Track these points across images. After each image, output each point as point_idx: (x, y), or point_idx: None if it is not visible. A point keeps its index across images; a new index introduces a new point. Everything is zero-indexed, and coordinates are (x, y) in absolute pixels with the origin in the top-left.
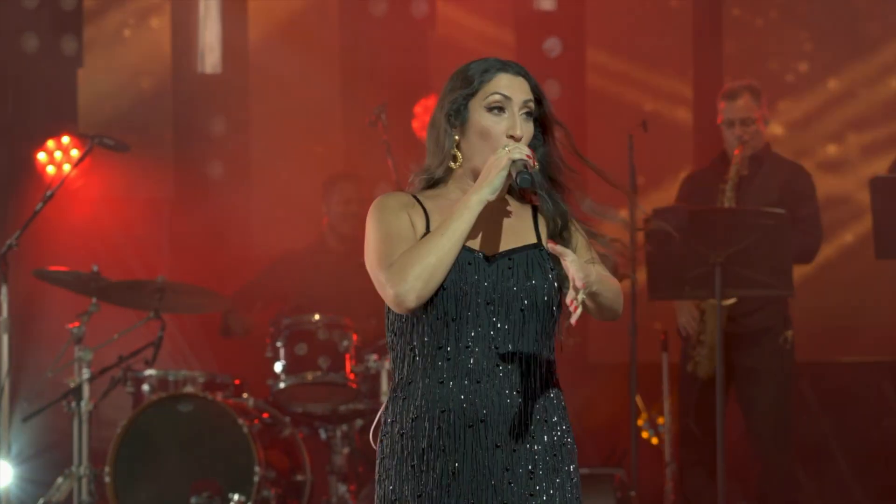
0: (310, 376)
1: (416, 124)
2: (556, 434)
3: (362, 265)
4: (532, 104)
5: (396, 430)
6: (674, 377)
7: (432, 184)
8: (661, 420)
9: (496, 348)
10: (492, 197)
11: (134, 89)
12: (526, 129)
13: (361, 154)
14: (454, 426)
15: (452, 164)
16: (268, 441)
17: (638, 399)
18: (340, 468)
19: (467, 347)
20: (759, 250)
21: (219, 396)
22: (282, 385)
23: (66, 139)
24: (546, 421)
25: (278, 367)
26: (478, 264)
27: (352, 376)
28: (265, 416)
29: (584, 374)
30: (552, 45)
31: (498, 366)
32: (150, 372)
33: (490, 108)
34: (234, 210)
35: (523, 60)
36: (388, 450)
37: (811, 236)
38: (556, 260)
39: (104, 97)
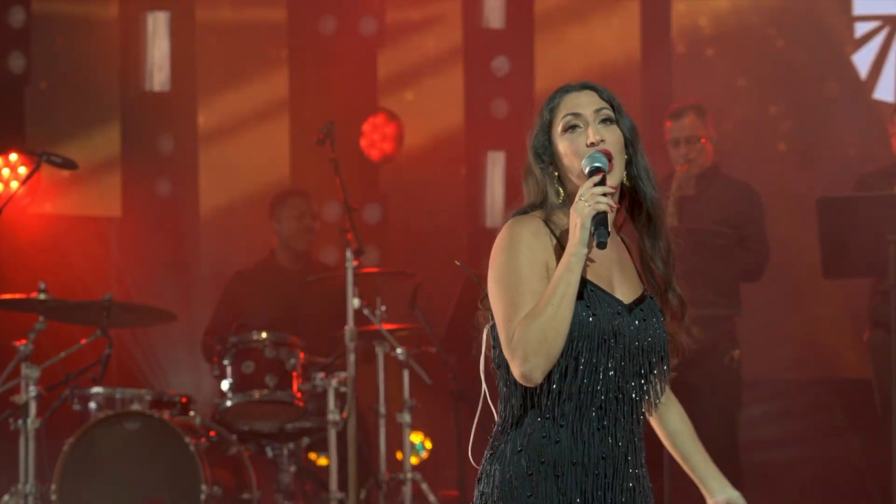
0: (256, 394)
1: (364, 142)
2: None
3: (312, 283)
4: (608, 111)
5: (543, 471)
6: None
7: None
8: None
9: (631, 398)
10: (587, 251)
11: (82, 106)
12: (607, 134)
13: (309, 172)
14: (609, 474)
15: (556, 198)
16: (214, 459)
17: None
18: (287, 486)
19: (616, 397)
20: (706, 269)
21: (165, 414)
22: (228, 403)
23: (13, 156)
24: (642, 474)
25: (225, 385)
26: (622, 315)
27: (299, 394)
28: (212, 434)
29: None
30: (500, 64)
31: (634, 417)
32: (96, 390)
33: (565, 130)
34: (183, 228)
35: (471, 79)
36: (537, 488)
37: (758, 255)
38: (662, 312)
39: (52, 114)
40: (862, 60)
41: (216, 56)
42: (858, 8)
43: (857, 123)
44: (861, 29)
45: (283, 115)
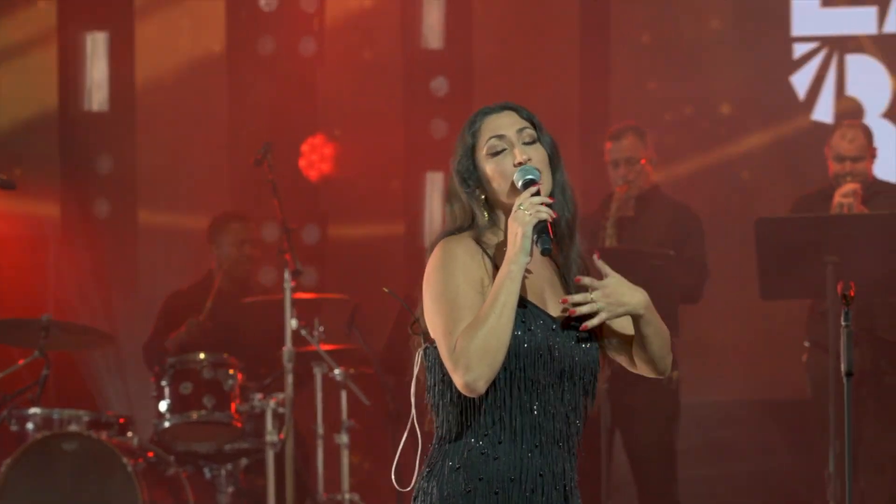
0: (195, 415)
1: (302, 163)
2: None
3: (250, 305)
4: (531, 130)
5: (482, 488)
6: None
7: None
8: None
9: (566, 416)
10: (528, 259)
11: (20, 126)
12: (533, 153)
13: (247, 193)
14: (546, 491)
15: (484, 220)
16: (152, 480)
17: None
18: None
19: (552, 414)
20: (645, 290)
21: (103, 435)
22: (166, 424)
23: None
24: (576, 493)
25: (163, 405)
26: (557, 332)
27: (237, 415)
28: (150, 454)
29: None
30: (439, 85)
31: (569, 435)
32: (34, 410)
33: (491, 153)
34: (121, 248)
35: (410, 99)
36: None
37: (697, 276)
38: (595, 332)
39: None
40: (800, 82)
41: (155, 76)
42: (797, 29)
43: (795, 145)
44: (799, 50)
45: (222, 135)
